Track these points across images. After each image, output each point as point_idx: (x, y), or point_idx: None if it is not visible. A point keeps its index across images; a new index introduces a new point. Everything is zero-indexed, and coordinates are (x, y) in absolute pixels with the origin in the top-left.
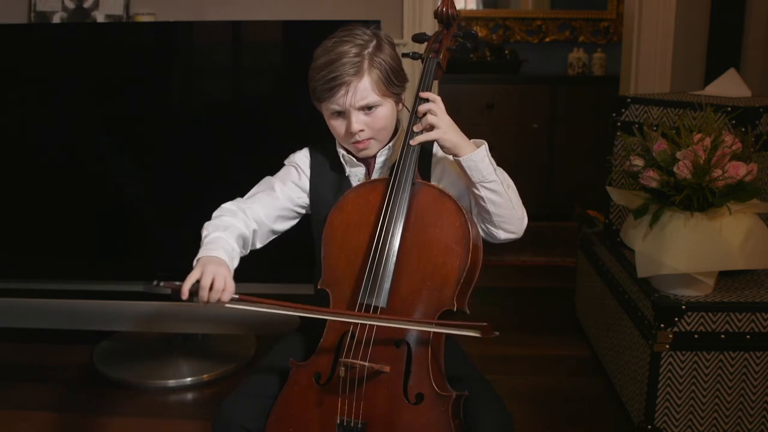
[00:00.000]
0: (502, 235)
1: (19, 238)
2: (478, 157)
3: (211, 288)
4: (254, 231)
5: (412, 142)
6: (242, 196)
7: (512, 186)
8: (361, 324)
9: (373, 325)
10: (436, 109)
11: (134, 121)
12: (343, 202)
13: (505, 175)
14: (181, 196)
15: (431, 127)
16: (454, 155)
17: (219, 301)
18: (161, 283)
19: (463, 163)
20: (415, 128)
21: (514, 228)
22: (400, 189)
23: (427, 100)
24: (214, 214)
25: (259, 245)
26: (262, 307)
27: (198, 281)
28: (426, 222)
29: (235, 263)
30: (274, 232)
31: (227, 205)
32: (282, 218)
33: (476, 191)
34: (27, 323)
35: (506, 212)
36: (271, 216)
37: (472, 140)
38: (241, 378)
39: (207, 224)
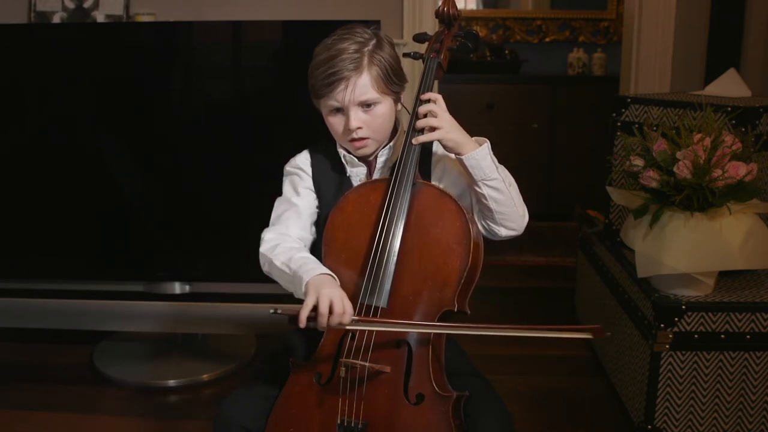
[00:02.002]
0: (503, 232)
1: (19, 238)
2: (480, 155)
3: (330, 312)
4: (304, 247)
5: (414, 142)
6: (242, 196)
7: (513, 183)
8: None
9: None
10: (437, 109)
11: (134, 121)
12: (343, 202)
13: (507, 172)
14: (181, 196)
15: (432, 128)
16: (457, 153)
17: (339, 324)
18: (278, 311)
19: (466, 162)
20: (417, 128)
21: (516, 225)
22: (400, 189)
23: (428, 101)
24: (265, 248)
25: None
26: (384, 327)
27: (315, 307)
28: (427, 222)
29: None
30: (312, 242)
31: (270, 236)
32: (313, 225)
33: (478, 189)
34: (27, 323)
35: (508, 210)
36: (307, 228)
37: (474, 138)
38: (241, 378)
39: (272, 256)
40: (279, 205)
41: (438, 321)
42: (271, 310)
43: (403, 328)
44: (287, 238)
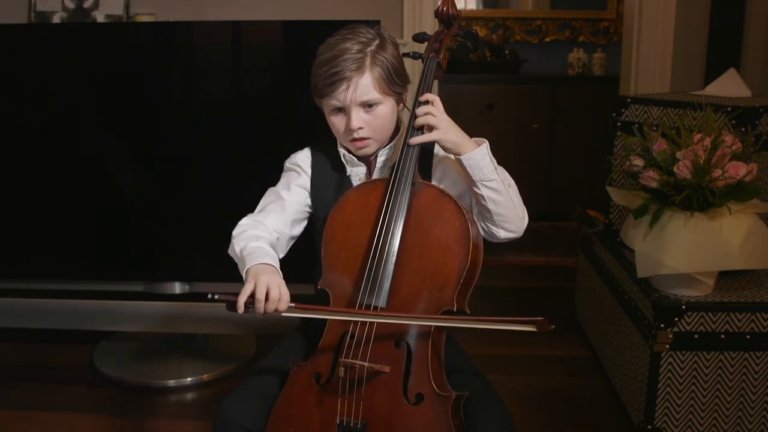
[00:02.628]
0: (503, 234)
1: (19, 238)
2: (479, 156)
3: (266, 299)
4: (277, 239)
5: (411, 142)
6: (242, 196)
7: (513, 185)
8: (361, 323)
9: (373, 324)
10: (434, 110)
11: (134, 121)
12: (343, 201)
13: (506, 173)
14: (181, 196)
15: (430, 128)
16: (455, 154)
17: (276, 311)
18: (216, 296)
19: (464, 162)
20: (415, 127)
21: (515, 227)
22: (400, 189)
23: (426, 102)
24: (235, 231)
25: (281, 254)
26: (321, 315)
27: (252, 294)
28: (426, 222)
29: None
30: (292, 237)
31: (245, 221)
32: (296, 222)
33: (477, 190)
34: (27, 323)
35: (507, 211)
36: (287, 222)
37: (473, 138)
38: (241, 378)
39: (235, 240)
40: (268, 195)
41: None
42: (209, 295)
43: (326, 315)
44: (260, 226)
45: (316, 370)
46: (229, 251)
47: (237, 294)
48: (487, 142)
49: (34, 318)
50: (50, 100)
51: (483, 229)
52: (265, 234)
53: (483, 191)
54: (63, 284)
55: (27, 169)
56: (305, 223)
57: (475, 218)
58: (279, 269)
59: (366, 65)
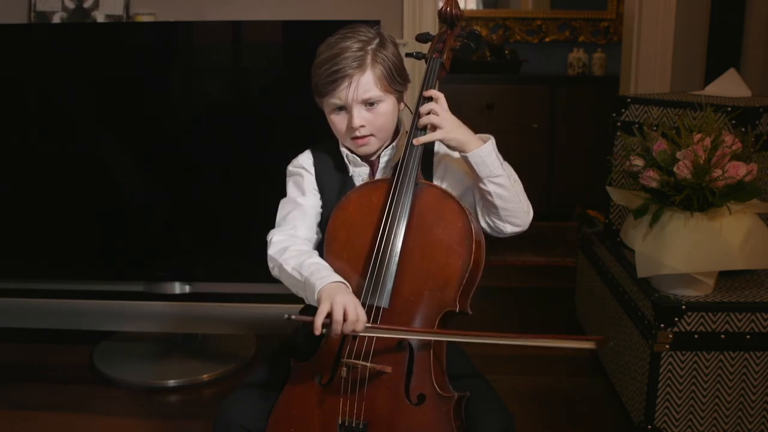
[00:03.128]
0: (509, 228)
1: (19, 238)
2: (485, 153)
3: (344, 319)
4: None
5: (415, 142)
6: (242, 195)
7: (518, 180)
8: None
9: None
10: (438, 108)
11: (134, 121)
12: (345, 202)
13: (511, 169)
14: (181, 196)
15: (434, 128)
16: (461, 152)
17: (353, 331)
18: (293, 317)
19: (471, 159)
20: (419, 127)
21: (521, 221)
22: (402, 189)
23: (429, 99)
24: (274, 251)
25: None
26: (394, 334)
27: (329, 314)
28: (428, 222)
29: None
30: (318, 241)
31: (279, 238)
32: (317, 224)
33: (483, 186)
34: (27, 323)
35: (513, 206)
36: (312, 227)
37: (478, 135)
38: (241, 378)
39: (281, 260)
40: (284, 206)
41: (440, 321)
42: (286, 316)
43: (413, 336)
44: (296, 240)
45: (317, 370)
46: (275, 273)
47: (309, 314)
48: (492, 138)
49: (34, 318)
50: (50, 100)
51: (489, 224)
52: (305, 247)
53: (490, 187)
54: (63, 284)
55: (27, 169)
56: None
57: (481, 214)
58: (349, 287)
59: (367, 63)
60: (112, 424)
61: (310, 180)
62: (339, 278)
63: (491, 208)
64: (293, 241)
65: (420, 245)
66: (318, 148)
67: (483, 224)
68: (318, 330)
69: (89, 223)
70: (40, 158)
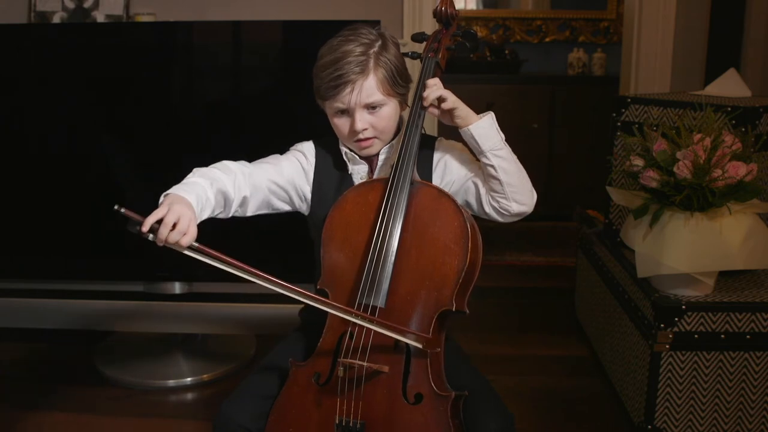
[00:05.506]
0: (515, 207)
1: (19, 238)
2: (486, 124)
3: (173, 228)
4: (245, 197)
5: (425, 103)
6: None
7: (518, 161)
8: (359, 324)
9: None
10: (440, 85)
11: (134, 121)
12: (342, 201)
13: (511, 151)
14: None
15: (440, 102)
16: (464, 126)
17: (177, 243)
18: (122, 210)
19: (473, 131)
20: (425, 97)
21: (526, 199)
22: (398, 189)
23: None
24: (211, 165)
25: (249, 213)
26: (220, 263)
27: (161, 219)
28: (425, 222)
29: (204, 215)
30: (268, 204)
31: (228, 162)
32: (279, 194)
33: (487, 161)
34: (27, 323)
35: (518, 181)
36: (271, 187)
37: (479, 115)
38: (241, 378)
39: (196, 169)
40: (269, 157)
41: (437, 321)
42: (116, 207)
43: (223, 266)
44: (235, 175)
45: (315, 370)
46: None
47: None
48: (492, 113)
49: (34, 318)
50: (50, 99)
51: (495, 207)
52: (227, 182)
53: (493, 161)
54: (63, 284)
55: (27, 168)
56: (285, 206)
57: (485, 201)
58: (197, 211)
59: (370, 67)
60: (113, 424)
61: (307, 165)
62: (190, 199)
63: (496, 186)
64: (229, 171)
65: (416, 244)
66: (320, 143)
67: (489, 210)
68: (146, 227)
69: (89, 223)
70: (40, 158)
